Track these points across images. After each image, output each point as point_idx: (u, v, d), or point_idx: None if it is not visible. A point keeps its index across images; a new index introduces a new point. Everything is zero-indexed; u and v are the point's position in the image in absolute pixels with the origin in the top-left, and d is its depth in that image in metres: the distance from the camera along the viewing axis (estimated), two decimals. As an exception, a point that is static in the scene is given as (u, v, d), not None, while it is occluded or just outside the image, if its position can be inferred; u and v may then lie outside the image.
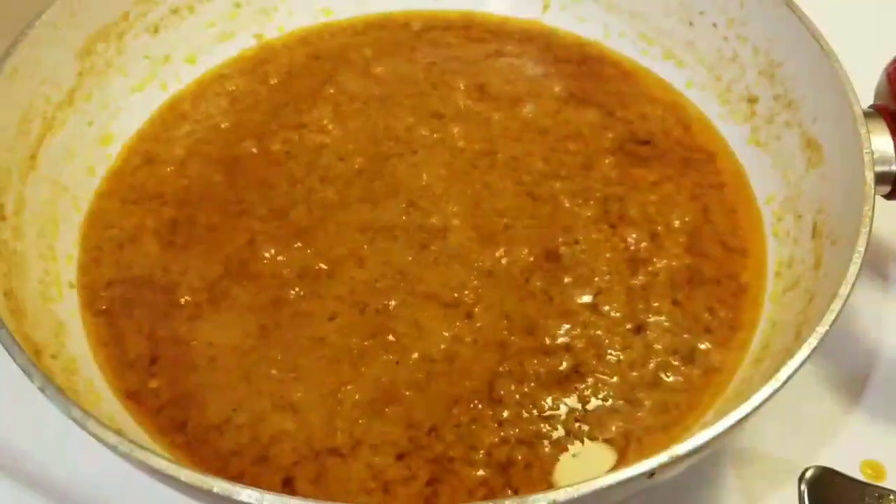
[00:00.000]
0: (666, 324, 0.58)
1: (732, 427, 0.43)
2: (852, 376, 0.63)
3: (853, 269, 0.48)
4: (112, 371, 0.56)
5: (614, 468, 0.51)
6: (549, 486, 0.51)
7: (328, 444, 0.52)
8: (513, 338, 0.57)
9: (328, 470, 0.52)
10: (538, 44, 0.77)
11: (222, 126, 0.71)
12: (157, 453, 0.41)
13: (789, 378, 0.45)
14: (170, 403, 0.55)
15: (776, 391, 0.44)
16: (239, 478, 0.51)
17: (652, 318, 0.58)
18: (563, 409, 0.54)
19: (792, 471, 0.54)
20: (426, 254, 0.61)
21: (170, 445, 0.53)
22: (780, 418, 0.59)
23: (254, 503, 0.39)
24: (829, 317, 0.47)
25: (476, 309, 0.58)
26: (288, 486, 0.51)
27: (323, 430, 0.53)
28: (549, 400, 0.54)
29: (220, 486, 0.40)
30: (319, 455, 0.52)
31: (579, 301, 0.59)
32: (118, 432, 0.47)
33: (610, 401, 0.54)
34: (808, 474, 0.52)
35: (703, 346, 0.57)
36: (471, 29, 0.79)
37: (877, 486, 0.54)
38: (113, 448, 0.42)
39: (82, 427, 0.42)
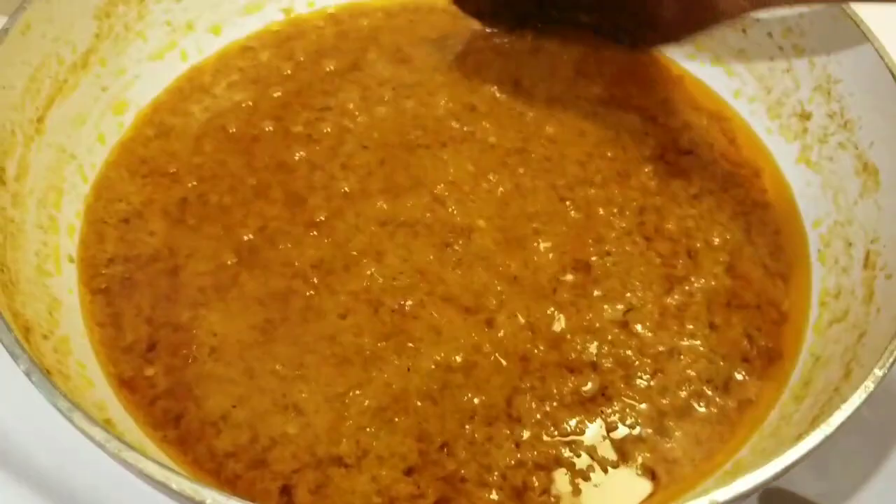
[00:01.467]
0: (701, 349, 0.54)
1: (779, 474, 0.39)
2: (890, 416, 0.59)
3: (915, 307, 0.45)
4: (106, 355, 0.53)
5: (642, 504, 0.48)
6: (566, 516, 0.47)
7: (332, 452, 0.49)
8: (536, 351, 0.53)
9: (330, 480, 0.48)
10: (581, 40, 0.72)
11: (243, 104, 0.67)
12: (147, 456, 0.38)
13: (843, 423, 0.41)
14: (165, 394, 0.51)
15: (828, 437, 0.40)
16: (233, 482, 0.48)
17: (686, 342, 0.54)
18: (586, 434, 0.50)
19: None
20: (448, 253, 0.57)
21: (161, 441, 0.49)
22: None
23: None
24: (888, 359, 0.43)
25: (499, 316, 0.54)
26: (286, 495, 0.47)
27: (327, 436, 0.49)
28: (571, 422, 0.50)
29: (213, 497, 0.36)
30: (322, 463, 0.48)
31: (609, 317, 0.55)
32: (107, 424, 0.44)
33: (637, 428, 0.51)
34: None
35: (739, 376, 0.54)
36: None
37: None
38: (100, 445, 0.38)
39: (68, 419, 0.39)
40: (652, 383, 0.52)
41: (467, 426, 0.50)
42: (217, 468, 0.48)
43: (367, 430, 0.49)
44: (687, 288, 0.57)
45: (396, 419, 0.50)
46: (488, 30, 0.73)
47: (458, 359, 0.52)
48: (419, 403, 0.50)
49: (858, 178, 0.59)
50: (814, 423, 0.46)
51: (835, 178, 0.61)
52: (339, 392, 0.51)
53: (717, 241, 0.60)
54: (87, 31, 0.62)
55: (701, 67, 0.71)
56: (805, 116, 0.65)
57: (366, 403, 0.50)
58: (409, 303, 0.55)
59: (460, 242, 0.58)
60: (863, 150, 0.59)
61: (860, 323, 0.52)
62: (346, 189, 0.61)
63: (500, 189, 0.61)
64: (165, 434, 0.50)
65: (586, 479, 0.48)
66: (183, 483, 0.37)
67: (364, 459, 0.48)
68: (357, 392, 0.51)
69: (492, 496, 0.48)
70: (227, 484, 0.47)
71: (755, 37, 0.68)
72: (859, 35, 0.59)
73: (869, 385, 0.42)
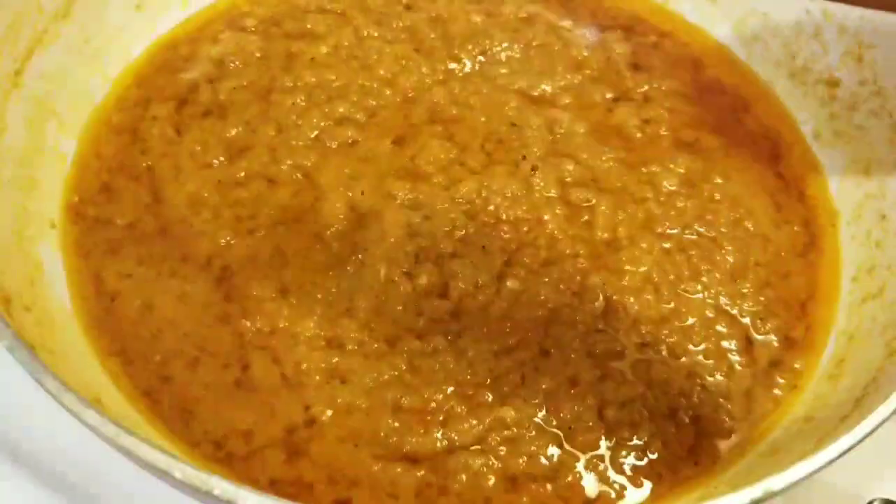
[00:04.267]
0: (726, 321, 0.51)
1: (833, 460, 0.36)
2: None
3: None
4: (94, 328, 0.49)
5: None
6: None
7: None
8: None
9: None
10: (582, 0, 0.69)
11: (237, 57, 0.62)
12: (144, 438, 0.34)
13: (897, 409, 0.38)
14: (158, 367, 0.48)
15: (886, 419, 0.38)
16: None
17: (711, 314, 0.51)
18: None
19: (855, 502, 0.48)
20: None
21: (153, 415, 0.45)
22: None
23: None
24: (944, 338, 0.40)
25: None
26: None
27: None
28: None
29: (221, 487, 0.33)
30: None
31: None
32: (96, 403, 0.40)
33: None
34: (873, 506, 0.46)
35: (767, 352, 0.51)
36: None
37: (944, 521, 0.48)
38: (93, 429, 0.34)
39: (58, 401, 0.35)
40: (682, 359, 0.49)
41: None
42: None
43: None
44: (716, 259, 0.54)
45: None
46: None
47: None
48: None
49: (893, 148, 0.56)
50: (857, 404, 0.43)
51: (866, 147, 0.58)
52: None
53: (741, 211, 0.57)
54: (69, -22, 0.58)
55: (721, 31, 0.68)
56: (833, 83, 0.61)
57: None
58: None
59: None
60: (898, 119, 0.56)
61: (901, 300, 0.49)
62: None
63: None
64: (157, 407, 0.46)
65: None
66: (188, 471, 0.33)
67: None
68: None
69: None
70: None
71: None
72: (897, -4, 0.55)
73: (926, 366, 0.39)
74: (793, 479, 0.35)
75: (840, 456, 0.36)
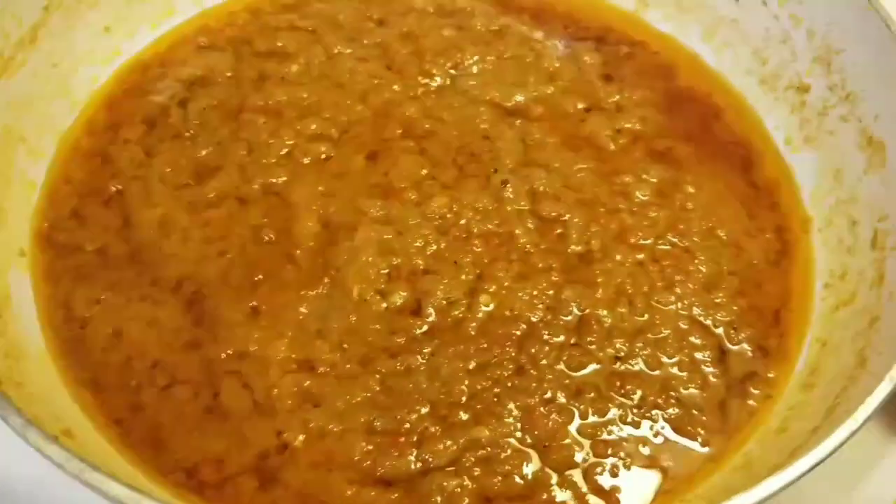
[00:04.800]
0: (699, 332, 0.51)
1: (805, 472, 0.36)
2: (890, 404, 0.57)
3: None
4: (63, 356, 0.48)
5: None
6: None
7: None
8: None
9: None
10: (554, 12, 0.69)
11: (206, 78, 0.62)
12: (112, 474, 0.34)
13: (869, 418, 0.38)
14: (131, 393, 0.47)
15: (854, 432, 0.38)
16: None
17: (685, 325, 0.52)
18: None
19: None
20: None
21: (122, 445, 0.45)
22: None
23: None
24: (913, 347, 0.40)
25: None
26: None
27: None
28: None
29: (188, 520, 0.32)
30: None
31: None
32: (65, 434, 0.39)
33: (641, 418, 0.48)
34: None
35: (741, 363, 0.51)
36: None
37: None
38: (59, 465, 0.34)
39: (22, 438, 0.34)
40: (656, 372, 0.49)
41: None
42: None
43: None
44: (689, 269, 0.54)
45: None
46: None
47: None
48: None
49: (863, 154, 0.56)
50: (828, 414, 0.43)
51: (836, 153, 0.58)
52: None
53: (714, 220, 0.57)
54: (34, 3, 0.57)
55: (692, 40, 0.68)
56: (803, 89, 0.62)
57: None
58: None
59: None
60: (867, 124, 0.56)
61: (871, 307, 0.49)
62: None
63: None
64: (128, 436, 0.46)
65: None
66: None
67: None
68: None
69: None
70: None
71: (749, 5, 0.65)
72: (863, 2, 0.56)
73: (895, 375, 0.39)
74: (763, 494, 0.35)
75: (809, 470, 0.36)
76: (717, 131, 0.63)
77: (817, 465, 0.37)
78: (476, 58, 0.65)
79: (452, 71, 0.64)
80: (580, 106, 0.63)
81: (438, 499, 0.44)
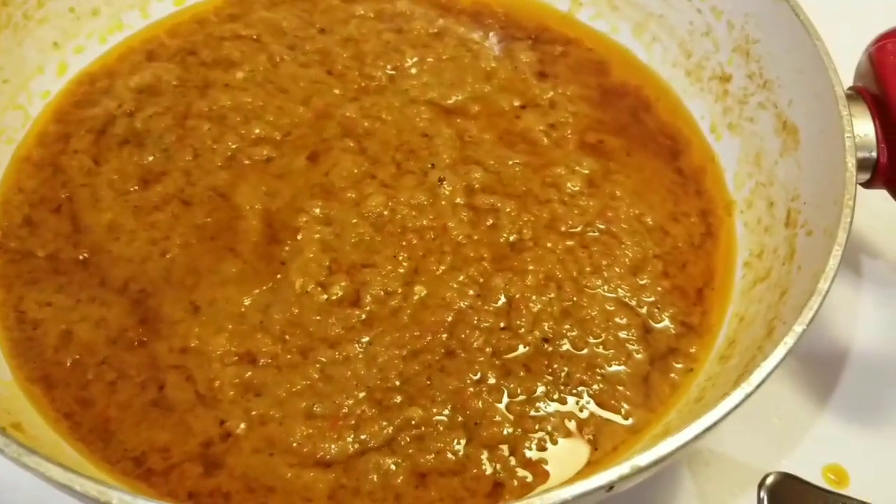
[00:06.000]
0: (625, 312, 0.54)
1: (699, 436, 0.39)
2: (819, 376, 0.60)
3: (833, 262, 0.45)
4: (16, 357, 0.51)
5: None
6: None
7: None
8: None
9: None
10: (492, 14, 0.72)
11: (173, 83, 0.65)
12: (52, 458, 0.36)
13: (764, 381, 0.41)
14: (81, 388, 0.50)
15: (749, 395, 0.40)
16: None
17: (612, 307, 0.54)
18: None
19: (752, 476, 0.50)
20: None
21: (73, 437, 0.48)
22: (741, 419, 0.55)
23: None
24: (808, 314, 0.43)
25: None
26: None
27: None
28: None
29: (119, 497, 0.35)
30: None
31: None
32: (15, 428, 0.42)
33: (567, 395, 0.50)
34: (769, 481, 0.48)
35: (666, 341, 0.54)
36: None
37: (839, 495, 0.50)
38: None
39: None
40: (583, 351, 0.52)
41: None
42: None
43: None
44: (616, 253, 0.57)
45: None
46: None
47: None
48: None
49: (779, 138, 0.59)
50: (738, 382, 0.46)
51: (756, 139, 0.61)
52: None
53: (642, 207, 0.60)
54: (-19, 22, 0.60)
55: (623, 36, 0.71)
56: (725, 79, 0.65)
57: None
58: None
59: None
60: (782, 109, 0.59)
61: (782, 281, 0.52)
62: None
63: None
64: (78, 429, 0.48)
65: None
66: (87, 484, 0.35)
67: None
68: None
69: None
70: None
71: (674, 1, 0.68)
72: (774, -7, 0.59)
73: (788, 341, 0.42)
74: (655, 456, 0.37)
75: (703, 433, 0.39)
76: (647, 123, 0.66)
77: (712, 427, 0.39)
78: (415, 59, 0.68)
79: (392, 73, 0.67)
80: (516, 103, 0.66)
81: (374, 477, 0.47)
